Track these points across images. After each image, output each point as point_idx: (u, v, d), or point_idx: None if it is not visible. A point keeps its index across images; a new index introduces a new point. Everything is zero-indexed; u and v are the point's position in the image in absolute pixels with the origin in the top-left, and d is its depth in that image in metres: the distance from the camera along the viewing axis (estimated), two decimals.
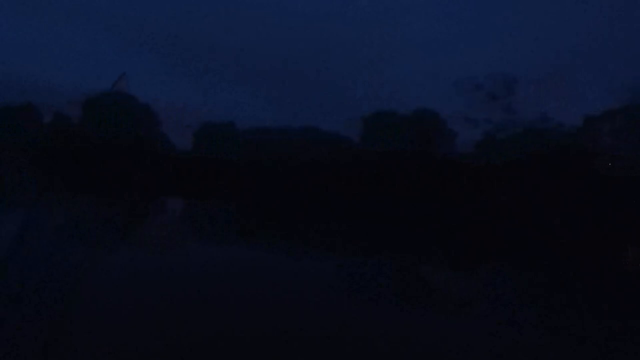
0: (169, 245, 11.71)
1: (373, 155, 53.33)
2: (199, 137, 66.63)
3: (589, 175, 41.92)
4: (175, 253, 10.51)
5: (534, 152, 50.91)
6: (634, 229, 25.74)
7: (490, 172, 48.67)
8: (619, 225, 27.17)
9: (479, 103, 54.53)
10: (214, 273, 8.70)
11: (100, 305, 6.08)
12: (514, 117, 56.10)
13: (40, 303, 6.13)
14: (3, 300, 6.14)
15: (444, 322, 6.43)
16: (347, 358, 4.81)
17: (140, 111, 66.73)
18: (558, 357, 5.20)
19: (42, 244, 10.28)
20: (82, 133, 64.60)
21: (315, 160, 54.41)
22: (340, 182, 52.05)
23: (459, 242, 18.47)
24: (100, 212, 18.31)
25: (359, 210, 31.01)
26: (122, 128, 64.64)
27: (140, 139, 62.09)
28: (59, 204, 18.48)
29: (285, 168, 54.82)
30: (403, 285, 8.81)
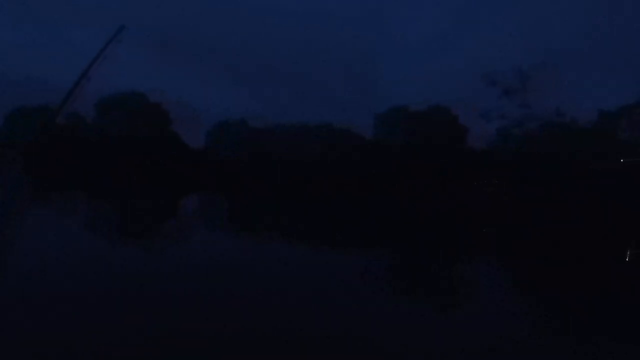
0: (171, 243, 11.73)
1: (384, 151, 53.31)
2: (209, 135, 66.81)
3: (605, 172, 41.36)
4: (177, 250, 10.60)
5: (551, 147, 50.33)
6: None
7: (505, 168, 48.33)
8: (637, 223, 26.82)
9: (493, 98, 53.82)
10: (215, 270, 8.46)
11: (100, 303, 5.96)
12: (530, 112, 55.02)
13: (41, 303, 5.91)
14: (3, 300, 6.02)
15: (448, 321, 6.44)
16: (346, 357, 4.71)
17: (151, 110, 67.07)
18: (556, 357, 5.11)
19: (43, 242, 10.21)
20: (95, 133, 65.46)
21: (329, 156, 54.61)
22: (350, 179, 52.17)
23: (472, 240, 18.45)
24: (105, 210, 18.49)
25: (367, 208, 31.03)
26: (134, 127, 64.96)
27: (150, 137, 62.81)
28: (63, 203, 18.77)
29: (300, 165, 55.11)
30: (410, 283, 8.83)
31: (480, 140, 53.08)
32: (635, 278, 10.93)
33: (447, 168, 48.81)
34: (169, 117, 65.95)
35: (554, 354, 5.26)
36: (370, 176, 51.69)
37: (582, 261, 13.20)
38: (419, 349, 5.09)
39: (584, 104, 53.01)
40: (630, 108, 47.93)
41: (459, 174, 48.15)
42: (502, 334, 5.84)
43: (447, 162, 49.20)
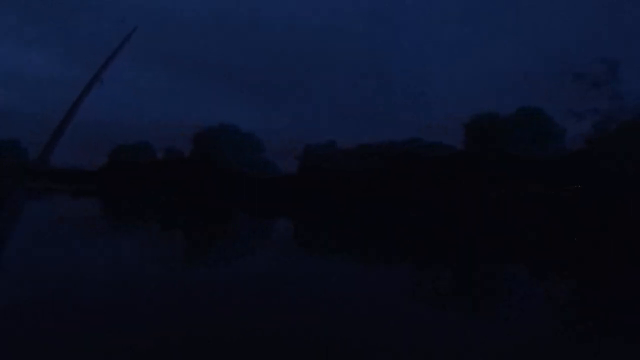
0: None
1: (476, 161, 53.25)
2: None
3: None
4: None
5: None
6: None
7: (606, 167, 46.75)
8: None
9: (582, 93, 51.56)
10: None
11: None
12: (622, 104, 52.33)
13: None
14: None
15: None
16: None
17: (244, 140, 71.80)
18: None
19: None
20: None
21: (420, 166, 55.47)
22: (445, 192, 52.70)
23: (580, 245, 18.36)
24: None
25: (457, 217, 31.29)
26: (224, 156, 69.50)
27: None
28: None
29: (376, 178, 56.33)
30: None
31: (576, 139, 51.42)
32: None
33: (546, 173, 48.10)
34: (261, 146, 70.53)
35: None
36: (464, 188, 51.96)
37: None
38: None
39: None
40: None
41: (560, 177, 47.28)
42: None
43: (546, 167, 48.50)
